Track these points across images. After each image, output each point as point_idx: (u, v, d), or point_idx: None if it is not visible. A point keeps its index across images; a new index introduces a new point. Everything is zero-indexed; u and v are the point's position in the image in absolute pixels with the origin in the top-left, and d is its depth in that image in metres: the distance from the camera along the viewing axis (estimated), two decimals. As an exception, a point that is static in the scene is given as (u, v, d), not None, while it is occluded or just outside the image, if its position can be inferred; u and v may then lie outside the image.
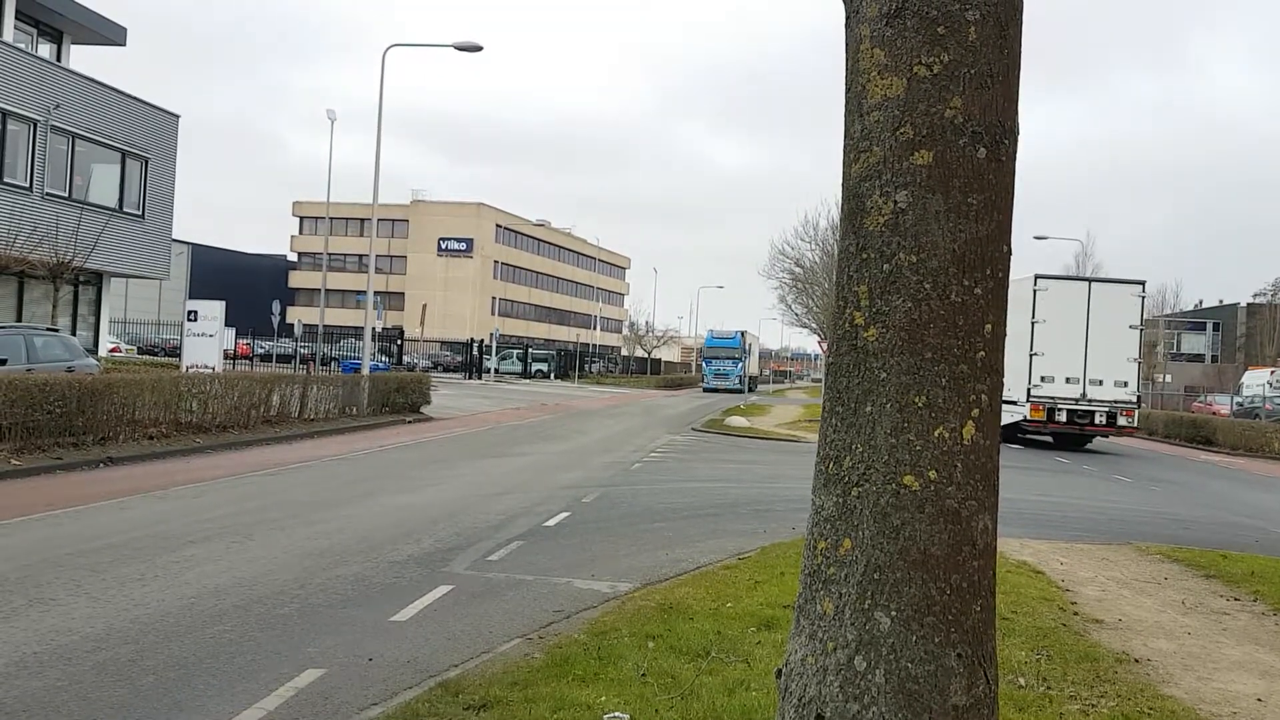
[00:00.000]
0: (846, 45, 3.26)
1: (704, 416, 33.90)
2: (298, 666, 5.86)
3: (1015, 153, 3.15)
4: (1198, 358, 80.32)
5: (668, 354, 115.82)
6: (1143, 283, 27.67)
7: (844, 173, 3.25)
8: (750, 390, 69.46)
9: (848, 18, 3.26)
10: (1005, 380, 3.27)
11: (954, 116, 3.01)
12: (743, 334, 72.09)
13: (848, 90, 3.24)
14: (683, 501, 13.79)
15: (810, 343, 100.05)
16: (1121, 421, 26.75)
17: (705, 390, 66.87)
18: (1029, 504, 14.89)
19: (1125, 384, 26.50)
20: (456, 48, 26.60)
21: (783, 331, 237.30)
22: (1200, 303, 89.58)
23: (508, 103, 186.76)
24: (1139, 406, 27.97)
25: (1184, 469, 26.24)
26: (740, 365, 68.97)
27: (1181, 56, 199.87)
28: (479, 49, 26.47)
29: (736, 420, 31.21)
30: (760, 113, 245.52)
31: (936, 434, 2.96)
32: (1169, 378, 67.88)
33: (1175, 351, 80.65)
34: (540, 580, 8.44)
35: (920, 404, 2.97)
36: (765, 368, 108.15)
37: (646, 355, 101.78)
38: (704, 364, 72.66)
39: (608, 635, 6.50)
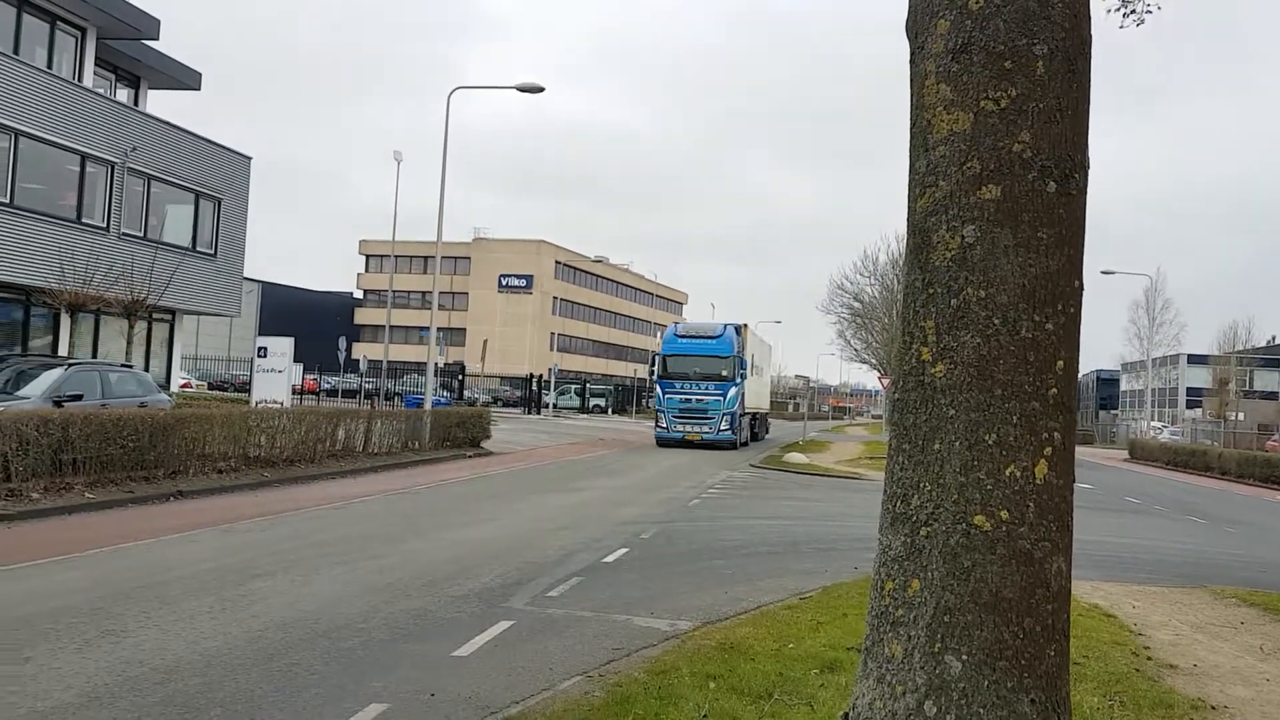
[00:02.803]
0: (911, 81, 3.25)
1: (762, 453, 33.67)
2: (361, 701, 5.89)
3: (1086, 186, 3.11)
4: (1271, 395, 77.97)
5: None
6: None
7: (909, 208, 3.23)
8: (756, 439, 41.42)
9: (912, 53, 3.25)
10: None
11: (1022, 151, 2.98)
12: (738, 330, 36.72)
13: (912, 125, 3.23)
14: (742, 539, 13.67)
15: (870, 378, 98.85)
16: None
17: (659, 442, 35.12)
18: (1099, 545, 14.51)
19: None
20: (519, 89, 27.00)
21: (842, 367, 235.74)
22: (1274, 338, 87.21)
23: (565, 136, 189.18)
24: None
25: (1259, 510, 25.45)
26: (732, 391, 34.96)
27: (1256, 83, 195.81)
28: (541, 90, 26.85)
29: (795, 457, 30.98)
30: (818, 147, 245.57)
31: (1008, 473, 2.90)
32: (1241, 415, 65.94)
33: (1248, 389, 78.47)
34: (599, 617, 8.41)
35: (990, 442, 2.92)
36: (823, 403, 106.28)
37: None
38: (658, 388, 36.17)
39: (668, 674, 6.43)
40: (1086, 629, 8.25)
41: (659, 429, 35.62)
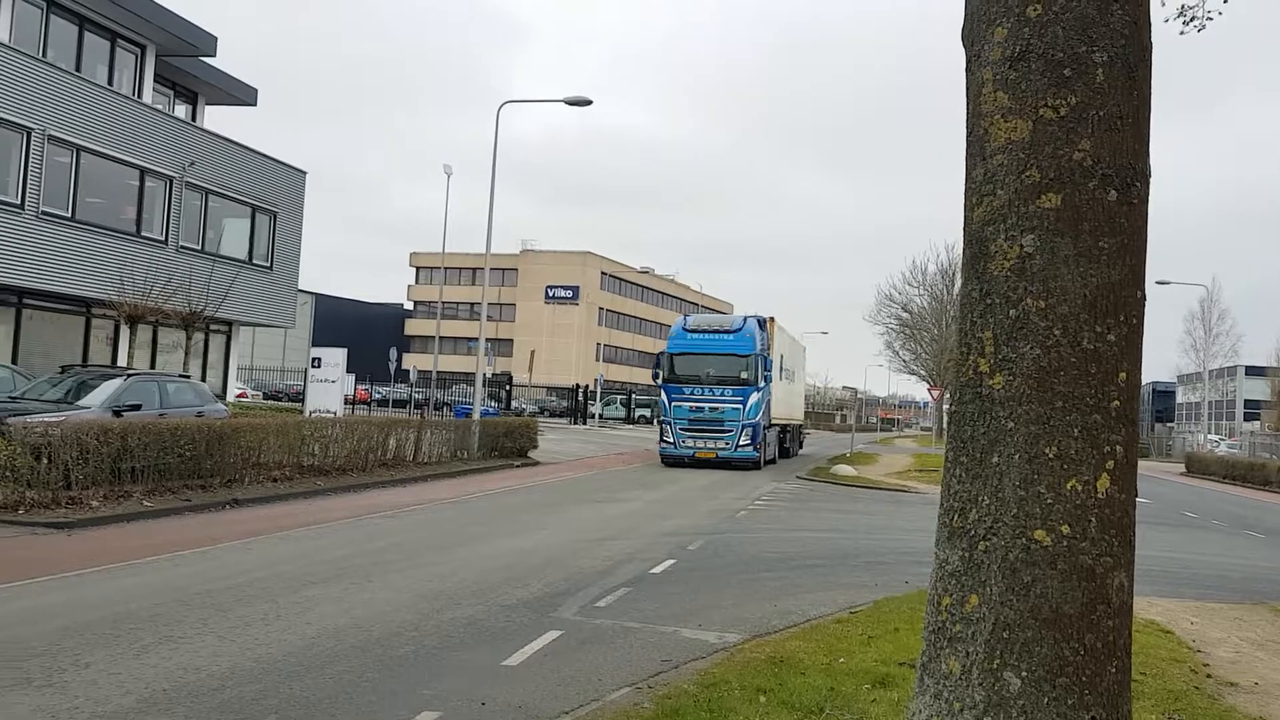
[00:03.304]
0: (967, 89, 3.23)
1: (808, 465, 33.45)
2: (413, 709, 5.93)
3: (1147, 195, 3.07)
4: (1328, 407, 75.88)
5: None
6: None
7: (965, 217, 3.20)
8: (786, 455, 35.81)
9: (969, 62, 3.23)
10: None
11: (1083, 159, 2.94)
12: (761, 324, 30.76)
13: (969, 134, 3.20)
14: (790, 551, 13.58)
15: (919, 389, 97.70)
16: None
17: (665, 460, 29.30)
18: (1155, 560, 14.20)
19: None
20: (567, 102, 27.12)
21: (890, 378, 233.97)
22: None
23: (608, 145, 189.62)
24: None
25: (1326, 525, 24.77)
26: (754, 397, 28.98)
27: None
28: (589, 103, 26.94)
29: (843, 469, 30.70)
30: (866, 154, 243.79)
31: (1069, 486, 2.86)
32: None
33: (1310, 401, 76.51)
34: (647, 628, 8.39)
35: (1051, 455, 2.88)
36: (871, 414, 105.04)
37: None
38: (664, 394, 29.84)
39: (717, 687, 6.40)
40: (1144, 645, 8.08)
41: (664, 444, 29.27)
